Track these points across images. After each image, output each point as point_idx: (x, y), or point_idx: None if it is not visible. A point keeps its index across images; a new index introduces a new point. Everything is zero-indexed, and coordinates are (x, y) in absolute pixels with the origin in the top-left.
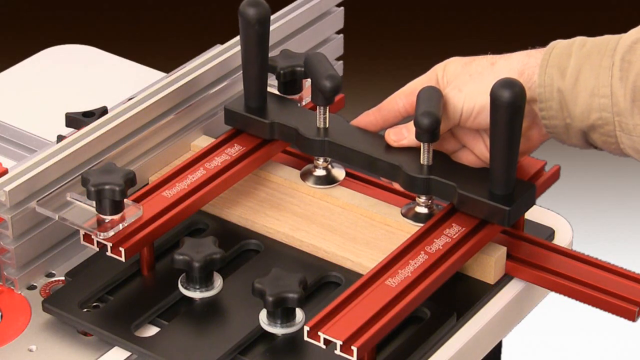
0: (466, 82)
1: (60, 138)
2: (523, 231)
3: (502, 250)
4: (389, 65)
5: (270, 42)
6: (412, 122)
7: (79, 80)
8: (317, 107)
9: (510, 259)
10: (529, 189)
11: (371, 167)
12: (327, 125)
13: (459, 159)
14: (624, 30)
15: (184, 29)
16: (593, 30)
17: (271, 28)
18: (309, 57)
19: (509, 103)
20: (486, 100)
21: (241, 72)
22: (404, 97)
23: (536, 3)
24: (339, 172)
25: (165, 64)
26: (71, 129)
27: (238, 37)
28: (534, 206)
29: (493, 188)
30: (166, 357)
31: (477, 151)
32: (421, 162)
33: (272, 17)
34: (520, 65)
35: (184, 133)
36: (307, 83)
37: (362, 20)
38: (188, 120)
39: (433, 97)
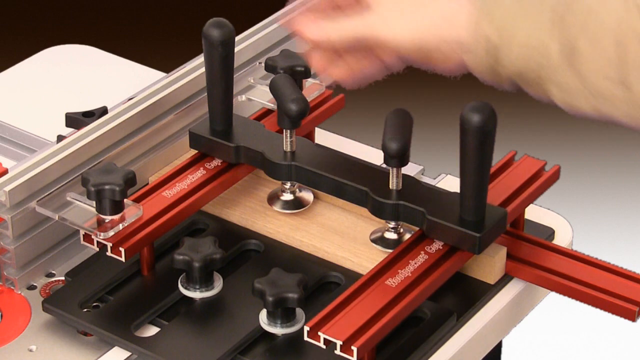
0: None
1: (60, 138)
2: (523, 231)
3: (502, 250)
4: None
5: (270, 42)
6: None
7: (79, 80)
8: (284, 130)
9: (510, 259)
10: (500, 214)
11: (338, 191)
12: (294, 149)
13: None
14: None
15: (184, 29)
16: None
17: (271, 28)
18: (275, 80)
19: (479, 127)
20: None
21: (239, 72)
22: None
23: None
24: (307, 196)
25: (165, 64)
26: (71, 129)
27: (237, 37)
28: (534, 206)
29: (463, 214)
30: (166, 357)
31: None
32: (390, 187)
33: (272, 16)
34: (447, 8)
35: (184, 133)
36: (308, 83)
37: None
38: (188, 121)
39: (402, 120)
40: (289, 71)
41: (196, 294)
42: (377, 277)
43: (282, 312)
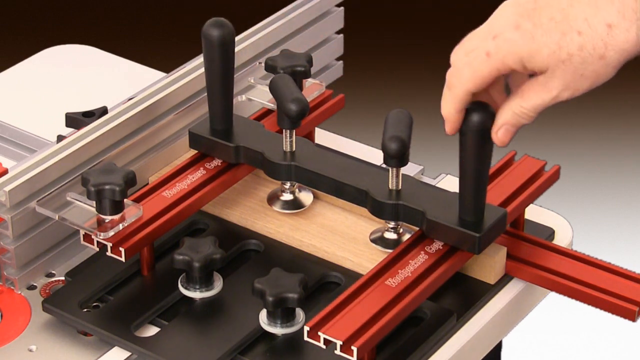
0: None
1: (60, 138)
2: (523, 231)
3: (502, 250)
4: (389, 65)
5: (270, 42)
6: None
7: (79, 80)
8: (284, 130)
9: (510, 259)
10: (500, 214)
11: (338, 191)
12: (294, 149)
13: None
14: None
15: (184, 29)
16: None
17: (271, 28)
18: (274, 80)
19: (478, 127)
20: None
21: (239, 72)
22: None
23: None
24: (307, 197)
25: (165, 64)
26: (71, 129)
27: (237, 37)
28: (534, 206)
29: (463, 214)
30: (166, 357)
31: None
32: (390, 187)
33: (272, 17)
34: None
35: (184, 133)
36: (308, 83)
37: (362, 20)
38: (188, 121)
39: (402, 120)
40: (289, 71)
41: (196, 294)
42: (377, 277)
43: (282, 312)
